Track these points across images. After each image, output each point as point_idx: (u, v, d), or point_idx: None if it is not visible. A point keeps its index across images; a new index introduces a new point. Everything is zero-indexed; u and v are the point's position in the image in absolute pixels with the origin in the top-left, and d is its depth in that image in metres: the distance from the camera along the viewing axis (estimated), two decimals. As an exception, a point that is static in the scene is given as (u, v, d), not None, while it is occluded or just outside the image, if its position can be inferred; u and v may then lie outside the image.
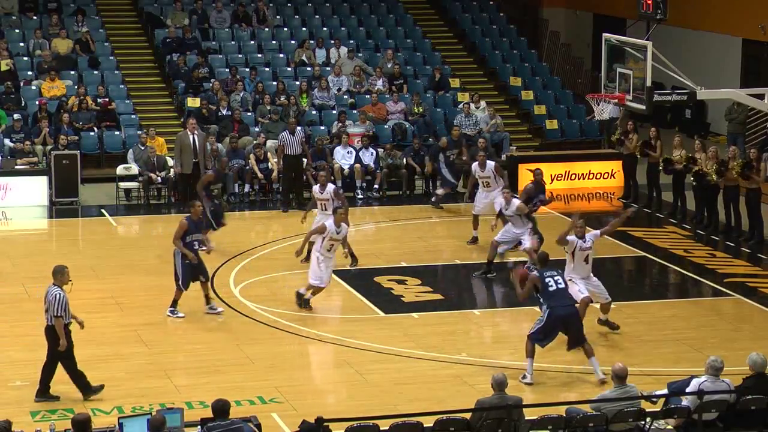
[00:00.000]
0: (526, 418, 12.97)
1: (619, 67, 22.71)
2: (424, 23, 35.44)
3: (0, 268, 21.42)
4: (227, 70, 31.21)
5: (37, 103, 28.74)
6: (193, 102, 29.49)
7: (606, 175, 28.60)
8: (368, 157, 27.61)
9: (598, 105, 23.01)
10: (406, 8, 35.73)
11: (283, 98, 29.87)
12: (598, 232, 17.99)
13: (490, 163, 23.08)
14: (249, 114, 29.60)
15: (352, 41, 33.35)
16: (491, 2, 36.77)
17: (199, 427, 12.19)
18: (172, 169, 26.26)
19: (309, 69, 31.68)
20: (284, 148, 25.96)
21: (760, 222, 23.55)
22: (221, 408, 12.12)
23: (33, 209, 25.83)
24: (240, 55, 32.28)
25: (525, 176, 26.04)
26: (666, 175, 25.72)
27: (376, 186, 27.30)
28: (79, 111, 28.70)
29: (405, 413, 13.59)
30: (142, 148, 26.92)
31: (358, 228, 25.17)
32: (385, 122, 29.92)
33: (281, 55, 32.59)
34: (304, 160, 26.34)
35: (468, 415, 12.84)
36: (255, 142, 27.65)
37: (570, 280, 17.09)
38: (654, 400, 13.78)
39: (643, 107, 22.25)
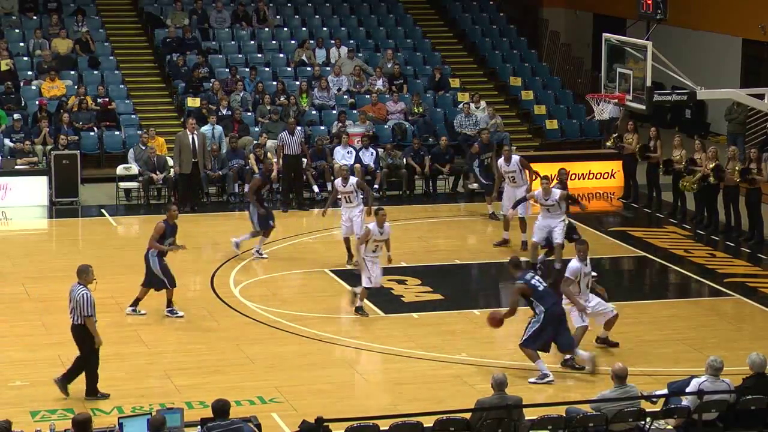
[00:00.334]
0: (526, 418, 12.97)
1: (619, 67, 22.70)
2: (424, 23, 35.44)
3: (0, 268, 21.42)
4: (227, 70, 31.21)
5: (37, 103, 28.74)
6: (193, 102, 29.49)
7: (606, 175, 28.60)
8: (368, 157, 27.62)
9: (598, 105, 23.00)
10: (406, 8, 35.73)
11: (283, 98, 29.87)
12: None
13: (515, 158, 23.07)
14: (249, 114, 29.60)
15: (352, 41, 33.35)
16: (491, 2, 36.77)
17: (199, 427, 12.19)
18: (172, 170, 26.26)
19: (309, 69, 31.69)
20: (283, 148, 25.97)
21: (760, 222, 23.55)
22: (221, 408, 12.12)
23: (33, 209, 25.83)
24: (240, 55, 32.29)
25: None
26: (666, 176, 25.73)
27: (376, 186, 27.29)
28: (79, 111, 28.70)
29: (405, 413, 13.59)
30: (143, 148, 26.93)
31: (358, 228, 25.19)
32: (385, 122, 29.92)
33: (281, 55, 32.59)
34: (304, 160, 26.34)
35: (468, 415, 12.84)
36: (255, 142, 27.66)
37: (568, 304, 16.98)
38: (654, 400, 13.78)
39: (643, 107, 22.25)
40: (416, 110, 30.21)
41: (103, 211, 25.90)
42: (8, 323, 18.44)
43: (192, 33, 32.30)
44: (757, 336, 18.19)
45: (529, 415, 13.04)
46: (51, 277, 20.92)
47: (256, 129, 28.85)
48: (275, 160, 26.76)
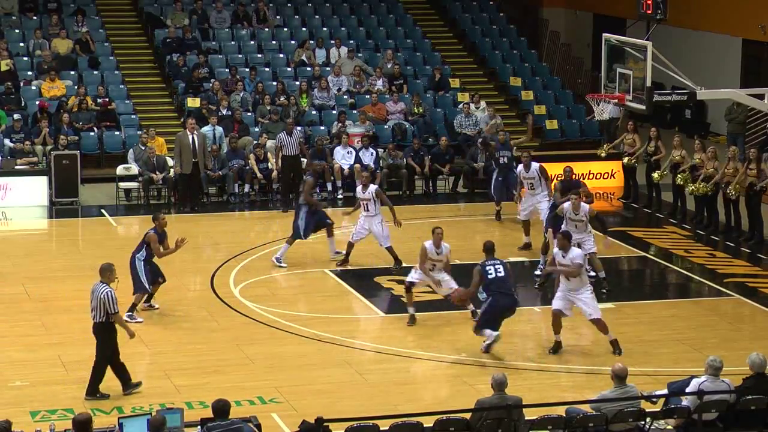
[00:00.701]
0: (526, 418, 12.97)
1: (619, 67, 22.69)
2: (424, 23, 35.45)
3: (0, 268, 21.42)
4: (227, 70, 31.22)
5: (37, 104, 28.74)
6: (193, 102, 29.49)
7: (606, 175, 28.61)
8: (368, 157, 27.61)
9: (598, 105, 22.99)
10: (406, 8, 35.74)
11: (283, 98, 29.87)
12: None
13: (535, 165, 22.99)
14: (249, 114, 29.60)
15: (352, 41, 33.36)
16: (491, 2, 36.78)
17: (199, 427, 12.19)
18: (171, 170, 26.26)
19: (309, 69, 31.69)
20: (282, 148, 25.95)
21: (760, 222, 23.56)
22: (221, 408, 12.12)
23: (33, 209, 25.84)
24: (240, 55, 32.29)
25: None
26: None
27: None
28: (79, 111, 28.70)
29: (405, 413, 13.59)
30: (143, 148, 26.93)
31: (358, 228, 25.20)
32: (385, 122, 29.92)
33: (281, 55, 32.59)
34: (303, 160, 26.33)
35: (468, 415, 12.84)
36: (255, 142, 27.67)
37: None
38: (654, 400, 13.77)
39: (643, 107, 22.23)
40: (416, 110, 30.21)
41: (103, 211, 25.90)
42: (8, 323, 18.44)
43: (192, 33, 32.31)
44: (757, 336, 18.19)
45: (529, 415, 13.03)
46: (51, 277, 20.93)
47: (256, 129, 28.85)
48: (274, 160, 26.78)
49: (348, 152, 27.64)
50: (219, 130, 27.66)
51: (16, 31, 32.20)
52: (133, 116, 29.70)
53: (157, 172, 26.21)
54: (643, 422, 13.08)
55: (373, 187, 21.28)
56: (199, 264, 21.79)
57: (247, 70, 31.22)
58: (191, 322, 18.59)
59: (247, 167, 26.81)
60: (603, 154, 27.82)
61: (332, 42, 32.84)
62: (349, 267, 21.47)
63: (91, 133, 28.51)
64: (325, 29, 33.81)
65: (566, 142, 30.85)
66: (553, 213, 20.57)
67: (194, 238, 23.14)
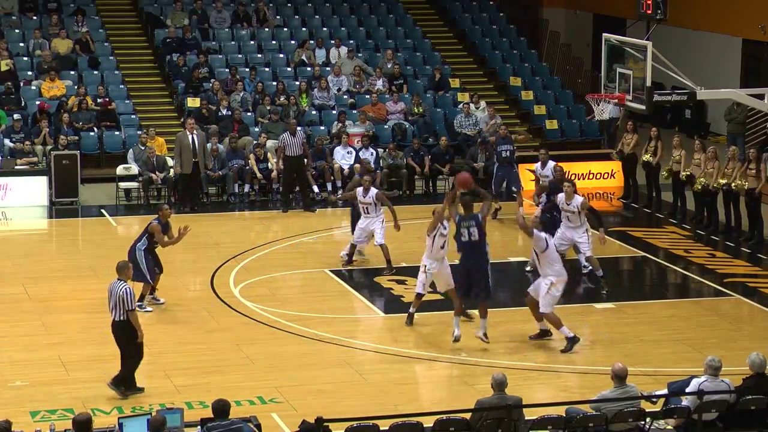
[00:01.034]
0: (526, 418, 12.97)
1: (619, 67, 22.70)
2: (424, 23, 35.44)
3: (0, 268, 21.42)
4: (227, 70, 31.21)
5: (36, 104, 28.73)
6: (193, 102, 29.49)
7: (606, 175, 28.62)
8: (368, 157, 27.59)
9: (598, 105, 23.00)
10: (406, 8, 35.73)
11: (283, 98, 29.87)
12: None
13: (551, 163, 23.01)
14: (249, 114, 29.60)
15: (352, 41, 33.36)
16: (491, 2, 36.78)
17: (199, 427, 12.18)
18: (171, 170, 26.26)
19: (309, 69, 31.69)
20: (285, 149, 25.92)
21: (760, 222, 23.56)
22: (221, 408, 12.12)
23: (33, 209, 25.84)
24: (240, 55, 32.29)
25: (525, 176, 26.01)
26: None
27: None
28: (79, 111, 28.70)
29: (405, 413, 13.60)
30: (142, 148, 26.93)
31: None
32: (385, 122, 29.92)
33: (281, 55, 32.59)
34: (305, 161, 26.31)
35: (468, 415, 12.83)
36: (255, 142, 27.66)
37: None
38: (654, 400, 13.77)
39: (643, 107, 22.24)
40: (416, 110, 30.21)
41: (103, 211, 25.90)
42: (8, 323, 18.44)
43: (192, 33, 32.30)
44: (757, 336, 18.19)
45: (529, 415, 13.03)
46: (51, 277, 20.94)
47: (256, 129, 28.85)
48: (275, 160, 26.77)
49: (348, 152, 27.64)
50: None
51: (16, 31, 32.20)
52: (133, 116, 29.70)
53: (157, 172, 26.22)
54: (643, 422, 13.08)
55: (374, 191, 21.26)
56: (199, 264, 21.79)
57: (247, 70, 31.22)
58: (191, 322, 18.59)
59: (247, 167, 26.81)
60: (616, 158, 27.78)
61: (332, 42, 32.84)
62: (349, 267, 21.48)
63: (91, 133, 28.51)
64: (325, 29, 33.81)
65: (566, 142, 30.84)
66: (545, 216, 20.41)
67: (194, 238, 23.11)
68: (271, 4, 34.41)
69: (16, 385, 15.90)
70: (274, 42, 33.16)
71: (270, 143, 27.63)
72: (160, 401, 14.89)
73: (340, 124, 28.81)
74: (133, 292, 15.53)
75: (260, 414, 13.50)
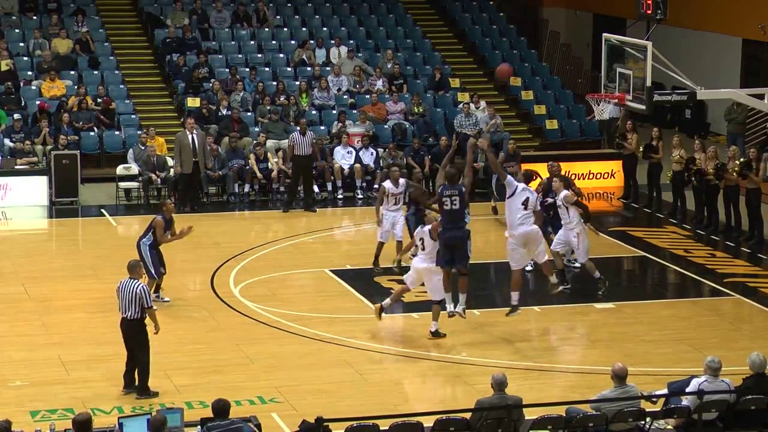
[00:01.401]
0: (526, 418, 12.97)
1: (619, 67, 22.71)
2: (424, 23, 35.45)
3: (0, 268, 21.42)
4: (227, 70, 31.21)
5: (36, 104, 28.73)
6: (193, 102, 29.49)
7: (606, 175, 28.62)
8: (368, 157, 27.63)
9: (598, 105, 23.00)
10: (406, 8, 35.74)
11: (283, 98, 29.88)
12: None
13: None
14: (249, 114, 29.60)
15: (352, 41, 33.36)
16: (491, 2, 36.78)
17: (199, 427, 12.19)
18: (172, 169, 26.26)
19: (309, 69, 31.69)
20: (294, 148, 25.82)
21: (760, 222, 23.56)
22: (221, 408, 12.12)
23: (33, 209, 25.84)
24: (240, 55, 32.29)
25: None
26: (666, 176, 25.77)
27: (376, 186, 27.30)
28: (79, 111, 28.70)
29: (405, 413, 13.60)
30: (142, 148, 26.93)
31: (358, 228, 25.21)
32: (385, 122, 29.92)
33: (281, 55, 32.59)
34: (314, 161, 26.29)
35: (468, 415, 12.84)
36: (255, 142, 27.66)
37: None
38: (654, 400, 13.77)
39: (643, 107, 22.25)
40: (416, 110, 30.21)
41: (103, 211, 25.91)
42: (8, 323, 18.44)
43: (192, 33, 32.30)
44: (757, 336, 18.19)
45: (529, 415, 13.03)
46: (51, 277, 20.93)
47: (256, 129, 28.85)
48: (275, 160, 26.75)
49: (348, 152, 27.64)
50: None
51: (16, 31, 32.20)
52: (133, 116, 29.70)
53: (157, 172, 26.21)
54: (643, 422, 13.08)
55: (403, 181, 21.44)
56: (199, 264, 21.79)
57: (247, 70, 31.22)
58: (191, 322, 18.60)
59: (247, 167, 26.81)
60: (616, 142, 27.78)
61: (332, 42, 32.84)
62: (349, 267, 21.47)
63: (91, 133, 28.51)
64: (325, 29, 33.81)
65: (566, 142, 30.85)
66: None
67: (194, 238, 23.11)
68: (271, 4, 34.41)
69: (16, 385, 15.90)
70: (274, 42, 33.16)
71: (270, 143, 27.63)
72: (160, 401, 14.91)
73: (340, 124, 28.81)
74: (149, 289, 15.62)
75: (260, 414, 13.50)
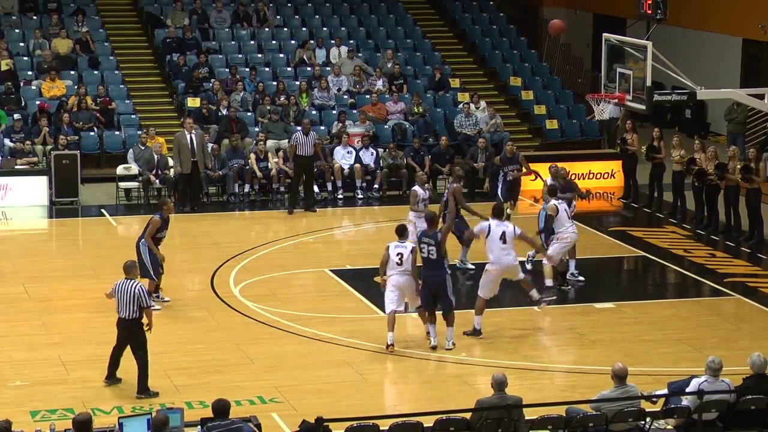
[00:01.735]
0: (526, 418, 12.97)
1: (619, 67, 22.70)
2: (424, 23, 35.44)
3: (0, 268, 21.42)
4: (227, 70, 31.21)
5: (36, 104, 28.73)
6: (193, 102, 29.49)
7: (606, 175, 28.61)
8: (368, 157, 27.62)
9: (598, 105, 23.00)
10: (406, 8, 35.74)
11: (283, 98, 29.87)
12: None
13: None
14: (249, 114, 29.60)
15: (352, 41, 33.36)
16: (491, 2, 36.78)
17: (199, 427, 12.19)
18: (171, 169, 26.25)
19: (309, 69, 31.69)
20: (297, 148, 25.75)
21: (760, 222, 23.55)
22: (221, 408, 12.12)
23: (33, 209, 25.84)
24: (240, 55, 32.29)
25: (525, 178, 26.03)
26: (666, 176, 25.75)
27: (376, 186, 27.32)
28: (79, 111, 28.70)
29: (405, 413, 13.59)
30: (142, 148, 26.92)
31: (358, 228, 25.21)
32: (385, 122, 29.92)
33: (281, 55, 32.59)
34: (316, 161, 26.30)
35: (468, 415, 12.84)
36: (255, 141, 27.65)
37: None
38: (654, 400, 13.77)
39: (643, 107, 22.25)
40: (416, 110, 30.21)
41: (103, 211, 25.91)
42: (8, 323, 18.44)
43: (192, 33, 32.30)
44: (757, 336, 18.18)
45: (529, 415, 13.03)
46: (51, 277, 20.93)
47: (256, 129, 28.84)
48: (275, 159, 26.73)
49: (348, 152, 27.64)
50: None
51: (16, 31, 32.20)
52: (133, 116, 29.70)
53: (158, 171, 26.18)
54: (643, 422, 13.08)
55: (429, 186, 21.63)
56: (199, 264, 21.79)
57: (247, 70, 31.22)
58: (191, 322, 18.60)
59: (247, 167, 26.80)
60: (617, 148, 27.78)
61: (332, 42, 32.83)
62: (349, 267, 21.46)
63: (91, 133, 28.51)
64: (325, 29, 33.81)
65: (566, 142, 30.85)
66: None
67: (194, 238, 23.19)
68: (271, 4, 34.40)
69: (16, 384, 15.90)
70: (274, 42, 33.16)
71: (270, 143, 27.62)
72: (160, 401, 14.91)
73: (340, 124, 28.80)
74: (146, 289, 15.62)
75: (260, 414, 13.50)
